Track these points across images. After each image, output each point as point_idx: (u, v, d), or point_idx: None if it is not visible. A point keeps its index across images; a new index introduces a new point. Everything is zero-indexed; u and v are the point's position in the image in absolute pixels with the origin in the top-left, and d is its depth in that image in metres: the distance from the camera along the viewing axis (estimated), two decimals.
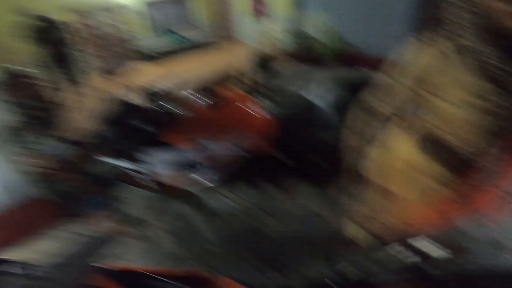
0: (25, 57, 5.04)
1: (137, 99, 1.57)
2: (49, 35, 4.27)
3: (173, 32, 7.42)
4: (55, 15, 4.72)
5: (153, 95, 1.57)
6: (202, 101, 1.53)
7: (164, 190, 2.29)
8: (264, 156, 1.67)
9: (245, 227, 2.04)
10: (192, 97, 1.60)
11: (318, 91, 1.71)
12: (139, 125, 1.40)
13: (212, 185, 1.76)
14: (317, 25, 5.33)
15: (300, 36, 5.84)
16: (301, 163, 1.72)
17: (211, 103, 1.51)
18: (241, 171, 1.73)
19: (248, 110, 1.53)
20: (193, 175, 1.60)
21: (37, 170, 2.46)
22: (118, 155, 1.56)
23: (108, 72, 6.36)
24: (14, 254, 2.20)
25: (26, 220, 2.31)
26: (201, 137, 1.48)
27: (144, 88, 1.59)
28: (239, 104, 1.54)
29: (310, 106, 1.68)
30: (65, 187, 2.70)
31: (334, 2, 5.06)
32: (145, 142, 1.35)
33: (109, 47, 6.50)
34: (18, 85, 3.06)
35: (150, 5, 7.03)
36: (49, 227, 2.36)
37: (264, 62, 3.65)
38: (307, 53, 5.53)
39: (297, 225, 1.99)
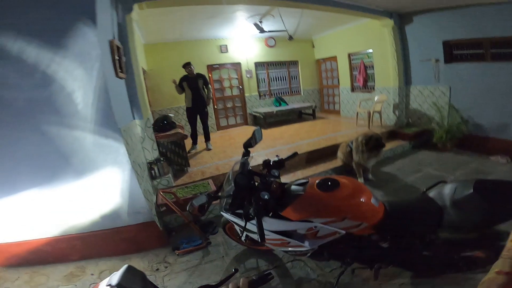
0: (176, 104, 6.50)
1: (256, 163, 1.77)
2: (195, 85, 4.85)
3: (278, 96, 7.99)
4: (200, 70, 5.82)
5: (268, 164, 1.76)
6: (316, 184, 1.67)
7: (256, 247, 2.37)
8: (363, 237, 1.67)
9: None
10: (309, 180, 1.75)
11: (439, 189, 1.64)
12: (256, 190, 1.55)
13: (304, 254, 1.77)
14: (434, 101, 4.90)
15: (409, 113, 5.49)
16: (398, 250, 1.66)
17: (326, 186, 1.64)
18: (335, 247, 1.72)
19: (360, 199, 1.60)
20: (291, 243, 1.66)
21: (161, 202, 2.92)
22: (233, 210, 1.74)
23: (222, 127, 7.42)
24: (111, 264, 2.53)
25: (135, 238, 2.66)
26: (311, 214, 1.57)
27: (264, 159, 1.81)
28: (352, 192, 1.62)
29: (424, 201, 1.64)
30: (175, 223, 3.10)
31: (459, 76, 4.47)
32: (259, 205, 1.46)
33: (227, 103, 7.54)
34: (164, 127, 3.88)
35: (257, 65, 7.76)
36: (149, 250, 2.67)
37: (370, 141, 3.44)
38: (418, 133, 5.05)
39: None
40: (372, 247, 1.70)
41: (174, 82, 4.83)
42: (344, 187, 1.62)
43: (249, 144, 1.76)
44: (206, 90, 5.04)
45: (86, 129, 2.25)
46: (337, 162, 4.20)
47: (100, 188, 2.47)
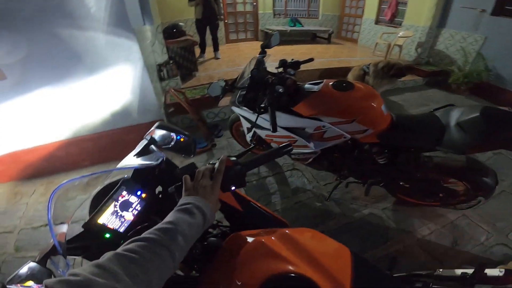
0: (185, 16, 5.98)
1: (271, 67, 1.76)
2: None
3: (293, 17, 7.47)
4: None
5: (285, 63, 1.74)
6: (331, 84, 1.64)
7: (259, 152, 2.48)
8: (364, 149, 1.72)
9: (310, 206, 2.15)
10: (324, 80, 1.71)
11: (447, 111, 1.60)
12: (271, 84, 1.55)
13: (306, 159, 1.85)
14: (463, 46, 4.57)
15: (433, 53, 5.19)
16: (393, 169, 1.72)
17: (340, 87, 1.61)
18: (336, 157, 1.81)
19: (371, 103, 1.57)
20: (297, 143, 1.69)
21: (169, 101, 2.98)
22: (246, 103, 1.77)
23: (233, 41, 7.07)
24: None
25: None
26: (322, 112, 1.57)
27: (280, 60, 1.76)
28: (365, 95, 1.59)
29: (429, 118, 1.61)
30: (182, 124, 3.21)
31: (500, 30, 4.07)
32: (274, 96, 1.46)
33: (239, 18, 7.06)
34: (174, 35, 3.74)
35: None
36: None
37: (392, 68, 3.30)
38: (435, 72, 4.85)
39: (359, 224, 1.99)
40: (370, 161, 1.74)
41: None
42: (358, 90, 1.59)
43: (266, 45, 1.75)
44: (216, 4, 4.83)
45: (99, 30, 2.19)
46: None
47: (112, 85, 2.47)
